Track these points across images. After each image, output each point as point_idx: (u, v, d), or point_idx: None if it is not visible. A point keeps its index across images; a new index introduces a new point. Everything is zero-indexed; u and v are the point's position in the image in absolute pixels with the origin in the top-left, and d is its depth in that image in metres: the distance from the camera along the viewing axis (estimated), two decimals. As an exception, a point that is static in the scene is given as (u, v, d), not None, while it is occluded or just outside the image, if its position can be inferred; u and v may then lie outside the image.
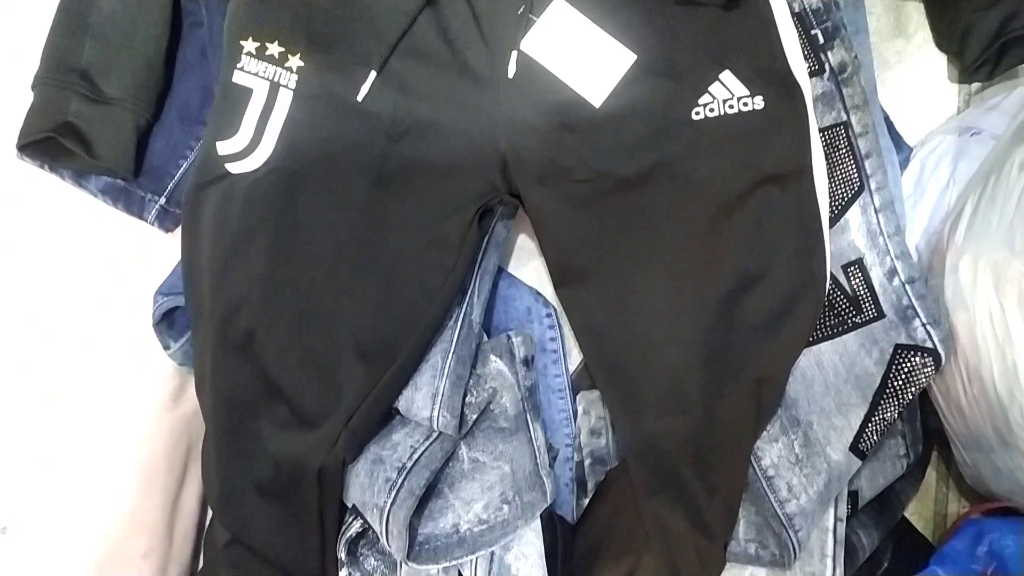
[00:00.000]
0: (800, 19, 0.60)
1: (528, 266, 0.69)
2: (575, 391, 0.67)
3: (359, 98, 0.57)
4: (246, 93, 0.57)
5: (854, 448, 0.58)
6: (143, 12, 0.63)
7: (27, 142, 0.60)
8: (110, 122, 0.61)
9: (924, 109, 0.73)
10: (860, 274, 0.60)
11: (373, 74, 0.57)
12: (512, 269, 0.69)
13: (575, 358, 0.69)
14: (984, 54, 0.67)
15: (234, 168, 0.57)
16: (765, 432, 0.58)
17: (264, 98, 0.57)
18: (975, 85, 0.73)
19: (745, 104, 0.56)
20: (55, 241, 0.66)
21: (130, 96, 0.62)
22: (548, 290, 0.67)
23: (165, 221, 0.65)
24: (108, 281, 0.66)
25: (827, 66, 0.60)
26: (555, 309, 0.67)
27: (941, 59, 0.73)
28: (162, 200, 0.65)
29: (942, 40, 0.72)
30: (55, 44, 0.62)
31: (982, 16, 0.67)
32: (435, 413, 0.57)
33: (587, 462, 0.66)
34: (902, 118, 0.71)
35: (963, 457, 0.63)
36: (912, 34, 0.73)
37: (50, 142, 0.61)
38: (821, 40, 0.60)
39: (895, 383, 0.58)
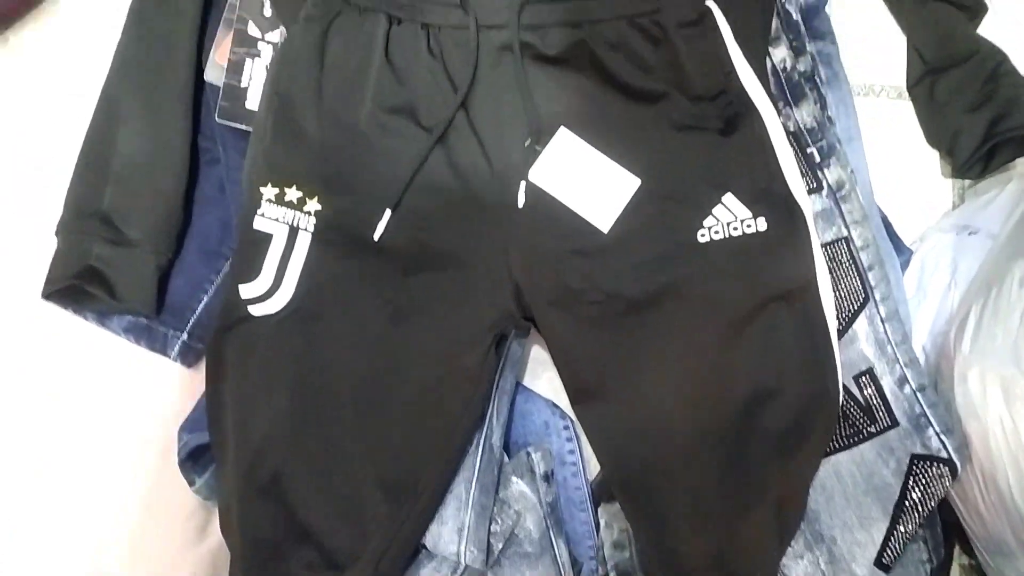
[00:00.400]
0: (796, 139, 0.62)
1: (542, 377, 0.70)
2: (596, 502, 0.68)
3: (376, 236, 0.59)
4: (266, 238, 0.59)
5: (878, 563, 0.59)
6: (162, 155, 0.65)
7: (53, 291, 0.62)
8: (132, 265, 0.63)
9: (920, 204, 0.74)
10: (872, 384, 0.61)
11: (388, 212, 0.59)
12: (527, 381, 0.70)
13: (593, 467, 0.69)
14: (975, 154, 0.69)
15: (256, 311, 0.59)
16: (790, 548, 0.59)
17: (284, 242, 0.59)
18: (968, 180, 0.75)
19: (749, 226, 0.58)
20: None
21: (151, 238, 0.64)
22: (563, 400, 0.67)
23: (187, 356, 0.66)
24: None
25: (824, 183, 0.62)
26: (572, 421, 0.68)
27: (934, 155, 0.75)
28: (184, 336, 0.66)
29: (933, 139, 0.74)
30: (77, 190, 0.64)
31: (970, 118, 0.69)
32: (462, 548, 0.57)
33: (612, 575, 0.66)
34: (898, 214, 0.72)
35: (985, 559, 0.64)
36: (905, 132, 0.75)
37: (73, 286, 0.62)
38: (817, 158, 0.62)
39: (914, 495, 0.59)
